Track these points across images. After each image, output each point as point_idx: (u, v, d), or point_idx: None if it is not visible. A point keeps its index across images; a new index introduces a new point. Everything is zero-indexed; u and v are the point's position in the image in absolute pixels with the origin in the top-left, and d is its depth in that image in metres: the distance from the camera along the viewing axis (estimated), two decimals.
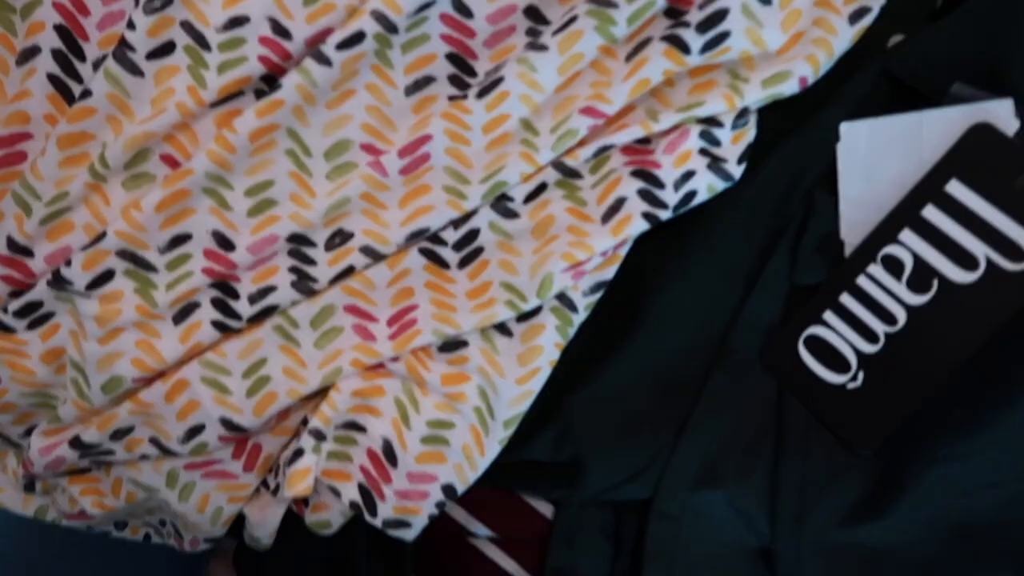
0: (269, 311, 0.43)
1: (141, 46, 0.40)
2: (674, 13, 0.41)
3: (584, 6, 0.40)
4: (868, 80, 0.43)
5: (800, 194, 0.44)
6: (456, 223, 0.43)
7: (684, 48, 0.41)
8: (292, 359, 0.43)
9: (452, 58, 0.42)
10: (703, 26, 0.41)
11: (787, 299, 0.44)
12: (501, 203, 0.43)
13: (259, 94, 0.41)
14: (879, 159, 0.42)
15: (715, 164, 0.42)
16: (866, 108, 0.43)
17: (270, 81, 0.41)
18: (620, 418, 0.45)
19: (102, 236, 0.41)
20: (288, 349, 0.43)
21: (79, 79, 0.41)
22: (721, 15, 0.41)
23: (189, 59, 0.40)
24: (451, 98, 0.42)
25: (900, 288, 0.41)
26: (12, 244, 0.42)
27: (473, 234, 0.43)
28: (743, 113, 0.43)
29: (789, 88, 0.42)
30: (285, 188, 0.42)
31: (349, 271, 0.43)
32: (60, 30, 0.40)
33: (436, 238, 0.43)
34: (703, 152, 0.42)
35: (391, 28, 0.39)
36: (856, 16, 0.42)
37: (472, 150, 0.42)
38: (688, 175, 0.42)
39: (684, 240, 0.44)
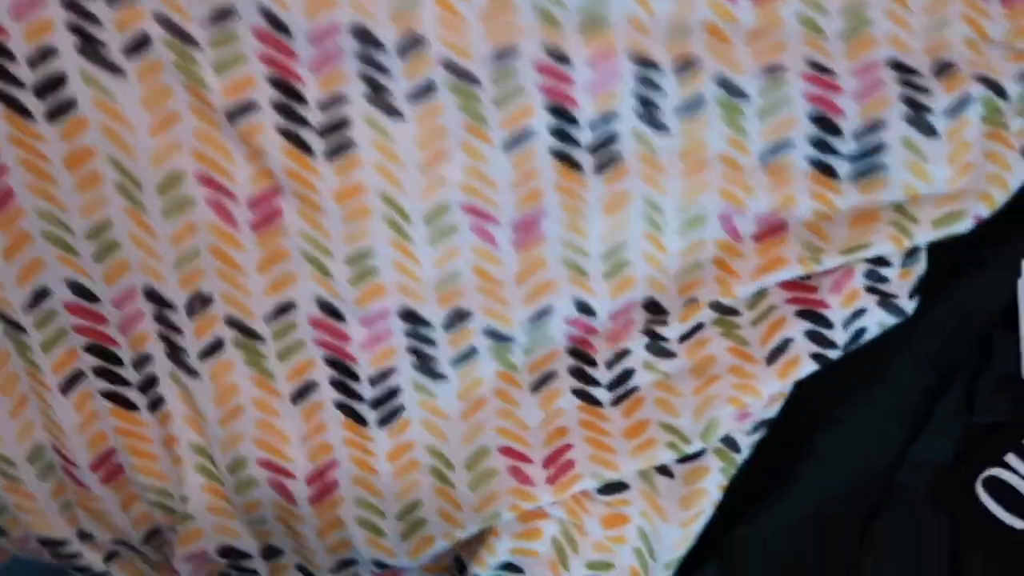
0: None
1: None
2: (822, 145, 0.41)
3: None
4: None
5: (975, 332, 0.43)
6: (609, 363, 0.42)
7: (831, 173, 0.41)
8: (447, 502, 0.42)
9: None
10: (857, 157, 0.41)
11: (959, 440, 0.43)
12: (656, 343, 0.42)
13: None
14: None
15: (885, 300, 0.41)
16: None
17: None
18: (782, 559, 0.43)
19: (208, 301, 0.40)
20: (444, 492, 0.42)
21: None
22: (878, 148, 0.40)
23: None
24: (555, 154, 0.41)
25: None
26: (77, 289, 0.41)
27: (627, 374, 0.42)
28: (913, 251, 0.41)
29: (963, 227, 0.41)
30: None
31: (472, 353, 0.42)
32: None
33: (588, 377, 0.42)
34: (871, 290, 0.41)
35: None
36: None
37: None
38: (858, 313, 0.41)
39: (851, 376, 0.43)
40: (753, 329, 0.42)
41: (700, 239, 0.42)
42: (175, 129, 0.39)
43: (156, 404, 0.42)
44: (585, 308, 0.42)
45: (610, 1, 0.39)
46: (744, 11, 0.40)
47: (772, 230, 0.42)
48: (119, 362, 0.41)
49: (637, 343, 0.42)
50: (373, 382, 0.41)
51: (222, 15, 0.38)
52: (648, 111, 0.40)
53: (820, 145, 0.41)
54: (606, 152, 0.40)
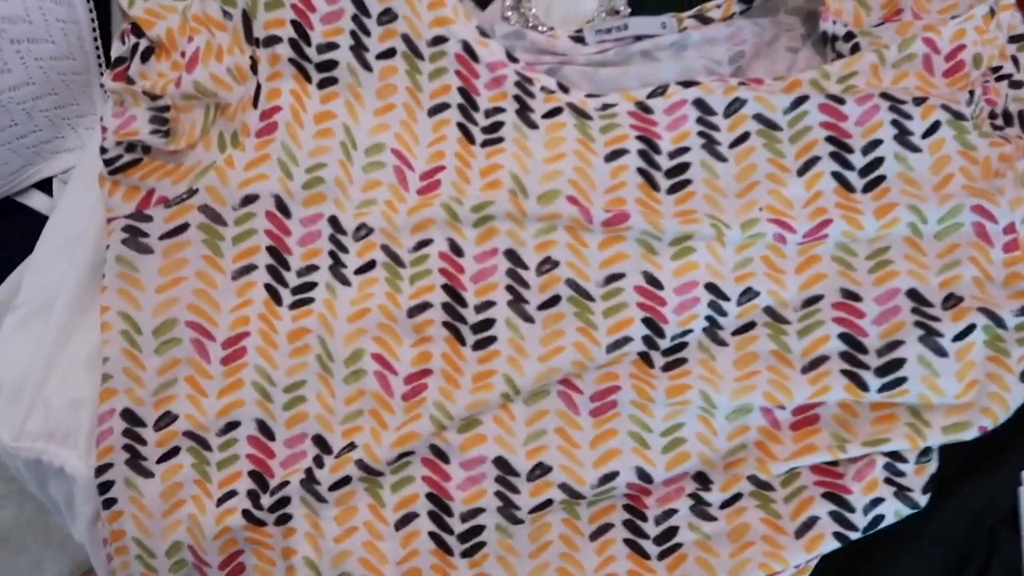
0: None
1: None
2: (851, 359, 0.48)
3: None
4: None
5: (984, 528, 0.47)
6: (658, 519, 0.49)
7: (863, 387, 0.47)
8: None
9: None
10: (881, 371, 0.47)
11: None
12: (699, 506, 0.48)
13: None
14: None
15: (901, 493, 0.47)
16: None
17: None
18: None
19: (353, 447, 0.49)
20: None
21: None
22: (899, 363, 0.47)
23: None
24: (641, 355, 0.50)
25: None
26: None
27: (672, 531, 0.48)
28: (926, 451, 0.47)
29: (969, 435, 0.46)
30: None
31: (547, 504, 0.48)
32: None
33: (637, 529, 0.49)
34: (889, 481, 0.47)
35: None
36: None
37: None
38: (876, 501, 0.47)
39: (868, 562, 0.48)
40: (785, 505, 0.48)
41: (746, 425, 0.49)
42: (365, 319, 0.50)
43: (282, 520, 0.48)
44: (644, 476, 0.49)
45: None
46: (791, 248, 0.49)
47: (807, 421, 0.49)
48: (266, 488, 0.49)
49: (683, 505, 0.49)
50: (464, 518, 0.48)
51: (422, 244, 0.51)
52: (712, 330, 0.49)
53: (849, 358, 0.48)
54: (675, 355, 0.49)
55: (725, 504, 0.48)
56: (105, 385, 0.49)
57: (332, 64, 0.51)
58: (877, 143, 0.49)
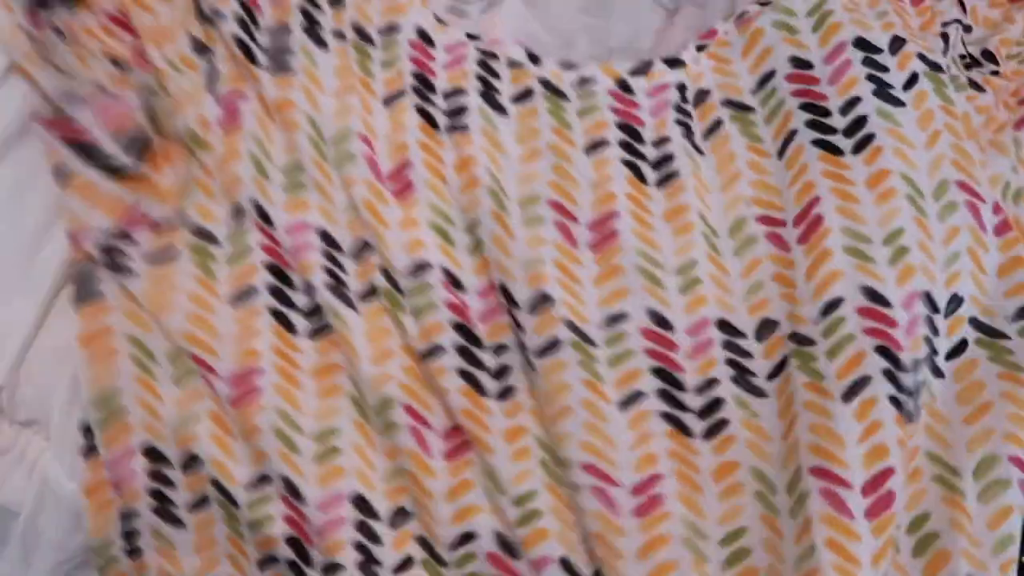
0: None
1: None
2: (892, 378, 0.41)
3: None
4: None
5: None
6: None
7: (909, 418, 0.41)
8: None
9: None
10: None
11: None
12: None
13: None
14: None
15: None
16: None
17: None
18: None
19: None
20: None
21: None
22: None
23: None
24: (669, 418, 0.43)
25: None
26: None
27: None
28: None
29: (1001, 472, 0.41)
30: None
31: None
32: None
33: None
34: None
35: None
36: None
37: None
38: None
39: None
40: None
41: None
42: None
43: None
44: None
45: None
46: (798, 255, 0.44)
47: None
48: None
49: None
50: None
51: (420, 268, 0.43)
52: (742, 376, 0.43)
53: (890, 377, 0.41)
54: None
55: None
56: (120, 420, 0.42)
57: (285, 48, 0.46)
58: (856, 101, 0.46)
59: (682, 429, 0.42)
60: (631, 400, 0.42)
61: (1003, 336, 0.43)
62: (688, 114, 0.47)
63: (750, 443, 0.42)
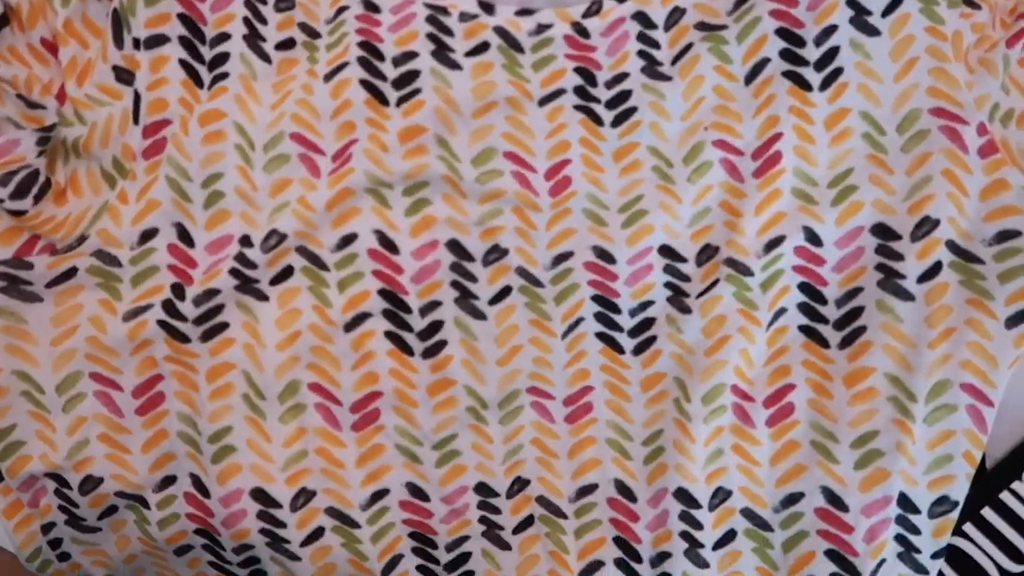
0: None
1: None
2: (811, 312, 0.44)
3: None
4: None
5: None
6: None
7: (823, 343, 0.44)
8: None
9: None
10: (840, 323, 0.44)
11: None
12: (693, 549, 0.44)
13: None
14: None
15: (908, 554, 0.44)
16: None
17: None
18: None
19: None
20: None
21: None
22: (857, 312, 0.44)
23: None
24: (605, 339, 0.45)
25: None
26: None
27: None
28: (941, 500, 0.44)
29: (952, 397, 0.43)
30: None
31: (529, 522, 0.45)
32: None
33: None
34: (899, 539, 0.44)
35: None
36: None
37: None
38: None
39: None
40: (784, 554, 0.44)
41: (719, 425, 0.44)
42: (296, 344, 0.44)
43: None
44: (625, 490, 0.44)
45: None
46: (749, 185, 0.45)
47: (782, 413, 0.44)
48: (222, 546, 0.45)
49: (676, 548, 0.44)
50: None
51: (347, 240, 0.44)
52: (676, 297, 0.45)
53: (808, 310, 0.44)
54: (644, 335, 0.45)
55: (718, 545, 0.44)
56: (17, 453, 0.44)
57: (223, 57, 0.45)
58: (831, 30, 0.44)
59: (614, 346, 0.45)
60: (572, 327, 0.45)
61: (977, 260, 0.43)
62: (654, 42, 0.46)
63: (675, 356, 0.44)
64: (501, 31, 0.46)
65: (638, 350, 0.45)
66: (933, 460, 0.43)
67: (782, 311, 0.44)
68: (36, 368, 0.44)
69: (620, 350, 0.45)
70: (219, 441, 0.44)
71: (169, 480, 0.44)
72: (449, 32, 0.46)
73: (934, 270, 0.43)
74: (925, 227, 0.43)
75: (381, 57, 0.45)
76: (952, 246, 0.43)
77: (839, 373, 0.43)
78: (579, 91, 0.45)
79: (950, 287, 0.43)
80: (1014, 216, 0.43)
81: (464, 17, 0.46)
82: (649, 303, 0.45)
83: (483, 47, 0.46)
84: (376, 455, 0.44)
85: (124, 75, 0.44)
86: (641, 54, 0.45)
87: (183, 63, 0.44)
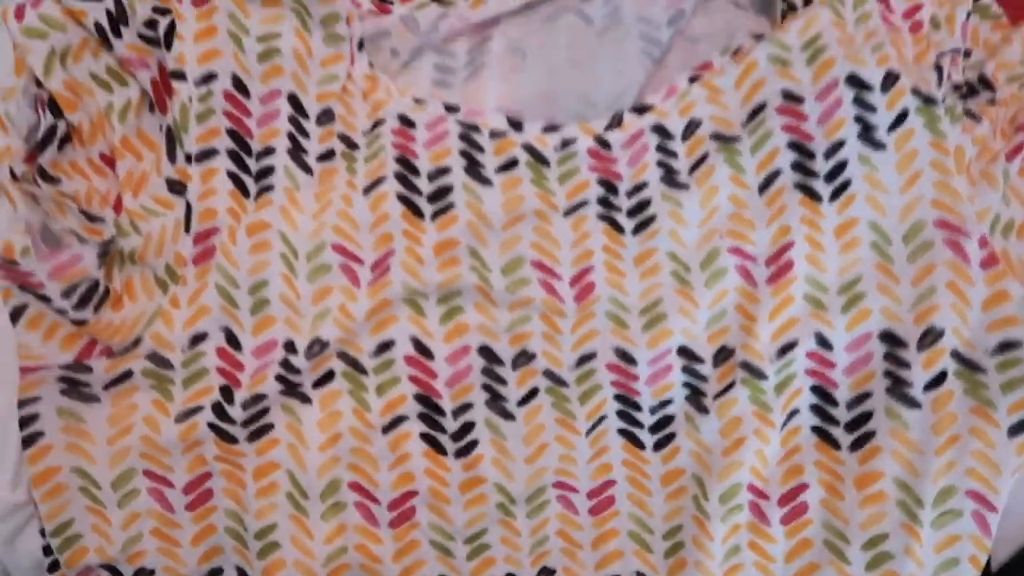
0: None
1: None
2: (823, 414, 0.46)
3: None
4: None
5: None
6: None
7: (835, 445, 0.46)
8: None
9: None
10: (851, 426, 0.46)
11: None
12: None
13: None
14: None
15: None
16: None
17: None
18: None
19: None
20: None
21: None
22: (866, 417, 0.46)
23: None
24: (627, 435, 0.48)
25: None
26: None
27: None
28: None
29: (957, 503, 0.45)
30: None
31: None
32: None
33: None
34: None
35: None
36: None
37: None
38: None
39: None
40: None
41: (736, 523, 0.46)
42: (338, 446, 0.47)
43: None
44: None
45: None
46: (763, 291, 0.47)
47: (795, 513, 0.46)
48: None
49: None
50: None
51: (384, 347, 0.47)
52: (695, 396, 0.47)
53: (821, 413, 0.46)
54: (664, 431, 0.47)
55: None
56: (76, 546, 0.46)
57: (269, 170, 0.47)
58: (840, 144, 0.47)
59: (635, 442, 0.47)
60: (595, 425, 0.47)
61: (980, 370, 0.45)
62: (672, 153, 0.48)
63: (693, 453, 0.46)
64: (529, 147, 0.48)
65: (658, 446, 0.47)
66: (940, 563, 0.45)
67: (795, 412, 0.46)
68: (93, 465, 0.46)
69: (641, 446, 0.47)
70: (264, 538, 0.46)
71: (216, 572, 0.46)
72: (480, 148, 0.48)
73: (940, 379, 0.45)
74: (930, 336, 0.45)
75: (416, 172, 0.48)
76: (957, 356, 0.45)
77: (850, 475, 0.46)
78: (602, 201, 0.48)
79: (955, 396, 0.45)
80: (1015, 327, 0.45)
81: (494, 134, 0.49)
82: (668, 402, 0.47)
83: (512, 163, 0.48)
84: (412, 551, 0.46)
85: (176, 187, 0.46)
86: (660, 164, 0.48)
87: (231, 175, 0.46)
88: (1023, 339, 0.45)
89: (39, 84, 0.47)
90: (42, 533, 0.47)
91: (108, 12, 0.46)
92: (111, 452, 0.46)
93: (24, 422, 0.46)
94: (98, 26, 0.46)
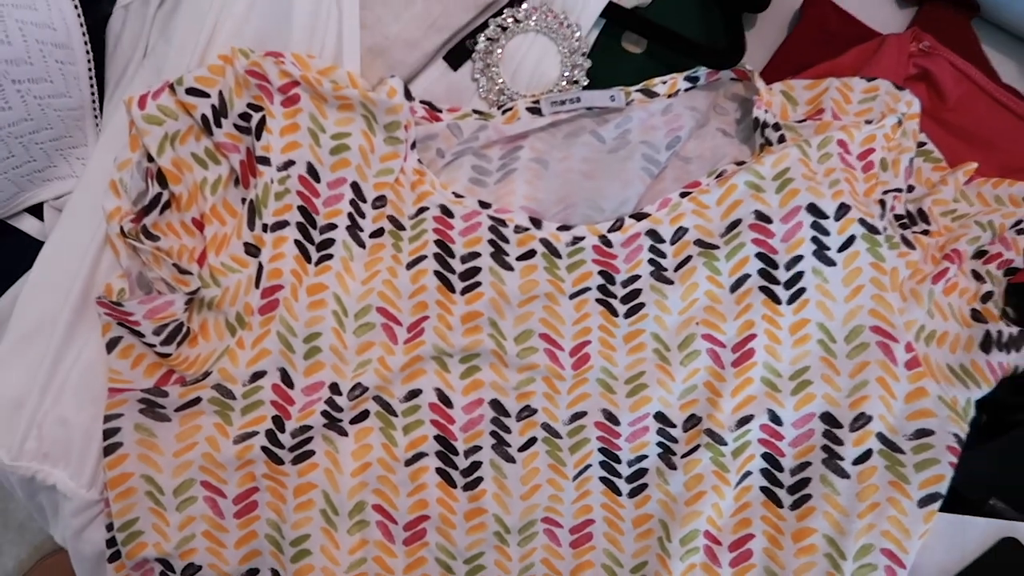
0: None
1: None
2: (771, 476, 0.54)
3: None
4: None
5: None
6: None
7: (778, 503, 0.54)
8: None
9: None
10: (793, 489, 0.54)
11: None
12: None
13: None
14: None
15: None
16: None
17: None
18: None
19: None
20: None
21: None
22: (805, 482, 0.54)
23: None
24: (607, 483, 0.55)
25: None
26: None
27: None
28: None
29: (873, 558, 0.52)
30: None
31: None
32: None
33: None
34: None
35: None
36: None
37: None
38: None
39: None
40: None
41: (692, 563, 0.53)
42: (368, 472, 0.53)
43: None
44: None
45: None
46: (728, 372, 0.54)
47: (742, 557, 0.53)
48: None
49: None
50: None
51: (413, 394, 0.54)
52: (665, 455, 0.54)
53: (769, 475, 0.54)
54: (638, 481, 0.54)
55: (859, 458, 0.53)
56: (137, 541, 0.52)
57: (330, 242, 0.55)
58: (799, 258, 0.55)
59: (613, 489, 0.54)
60: (581, 472, 0.54)
61: (900, 451, 0.53)
62: (662, 253, 0.57)
63: (661, 502, 0.54)
64: (545, 241, 0.57)
65: (632, 494, 0.54)
66: None
67: (748, 473, 0.54)
68: (159, 474, 0.52)
69: (618, 492, 0.54)
70: (298, 545, 0.52)
71: (253, 572, 0.53)
72: (506, 240, 0.57)
73: (866, 455, 0.53)
74: (861, 420, 0.53)
75: (452, 254, 0.56)
76: (881, 438, 0.53)
77: (789, 529, 0.53)
78: (601, 288, 0.56)
79: (877, 470, 0.53)
80: (930, 418, 0.53)
81: (518, 229, 0.57)
82: (644, 457, 0.54)
83: (531, 253, 0.57)
84: (420, 566, 0.53)
85: (252, 249, 0.54)
86: (651, 262, 0.56)
87: (297, 243, 0.54)
88: (935, 429, 0.53)
89: (150, 159, 0.54)
90: (108, 528, 0.54)
91: (213, 106, 0.54)
92: (175, 464, 0.52)
93: (106, 434, 0.52)
94: (203, 117, 0.54)
